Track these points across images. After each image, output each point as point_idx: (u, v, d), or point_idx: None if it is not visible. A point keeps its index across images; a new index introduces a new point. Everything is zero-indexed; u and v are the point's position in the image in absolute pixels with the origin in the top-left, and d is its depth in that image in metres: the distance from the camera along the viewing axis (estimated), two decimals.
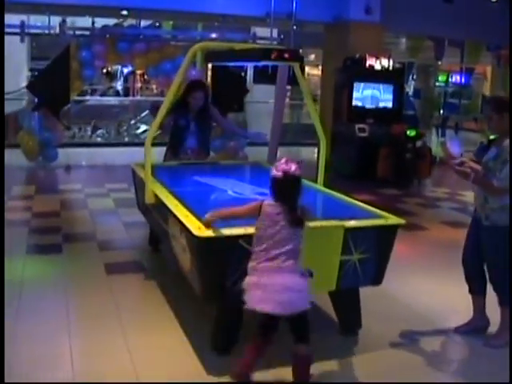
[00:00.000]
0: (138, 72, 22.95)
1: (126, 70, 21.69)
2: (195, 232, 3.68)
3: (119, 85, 23.26)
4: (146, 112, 17.94)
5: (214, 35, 12.53)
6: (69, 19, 11.86)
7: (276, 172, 3.46)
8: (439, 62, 18.75)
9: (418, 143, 10.74)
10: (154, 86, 24.23)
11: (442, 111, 15.78)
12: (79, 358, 3.96)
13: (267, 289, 3.36)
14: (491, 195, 4.22)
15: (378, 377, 3.90)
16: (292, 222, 3.42)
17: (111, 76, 20.81)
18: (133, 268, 5.79)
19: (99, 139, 16.15)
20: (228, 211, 3.76)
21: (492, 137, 12.59)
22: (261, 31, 13.42)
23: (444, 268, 5.89)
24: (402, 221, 4.29)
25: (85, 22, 13.06)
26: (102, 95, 20.60)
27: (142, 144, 14.52)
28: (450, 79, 21.82)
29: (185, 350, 4.10)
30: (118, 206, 8.31)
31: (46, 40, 12.60)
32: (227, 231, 3.72)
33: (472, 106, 17.04)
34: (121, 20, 13.25)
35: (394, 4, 11.75)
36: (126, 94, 22.88)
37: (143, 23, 13.85)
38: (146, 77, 24.14)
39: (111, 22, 12.68)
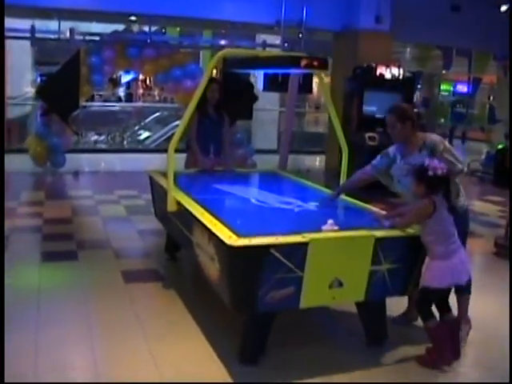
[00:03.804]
0: (141, 78, 23.02)
1: (128, 77, 21.68)
2: (227, 241, 3.63)
3: (121, 91, 23.28)
4: (150, 119, 18.00)
5: (223, 42, 12.50)
6: (73, 24, 11.83)
7: (440, 171, 3.94)
8: (443, 71, 18.81)
9: None
10: (156, 93, 24.33)
11: (448, 120, 15.78)
12: (104, 368, 3.88)
13: (458, 265, 4.05)
14: (454, 178, 4.41)
15: None
16: (450, 209, 4.03)
17: (115, 82, 20.77)
18: (151, 276, 5.72)
19: (104, 145, 16.16)
20: (411, 222, 4.13)
21: (500, 146, 12.61)
22: (267, 38, 13.44)
23: None
24: None
25: (91, 27, 13.08)
26: (105, 101, 20.61)
27: (146, 151, 14.59)
28: (452, 89, 21.93)
29: (212, 360, 4.03)
30: (129, 213, 8.24)
31: (50, 45, 12.59)
32: (258, 240, 3.66)
33: (479, 115, 17.05)
34: (129, 26, 13.22)
35: (403, 13, 11.74)
36: (128, 100, 22.90)
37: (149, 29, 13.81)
38: (148, 83, 24.27)
39: (120, 27, 12.63)
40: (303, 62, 4.19)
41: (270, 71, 5.40)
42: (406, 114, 4.48)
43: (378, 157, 4.72)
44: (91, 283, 5.41)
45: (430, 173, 3.92)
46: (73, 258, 6.14)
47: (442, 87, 21.18)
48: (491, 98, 17.43)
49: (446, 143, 4.48)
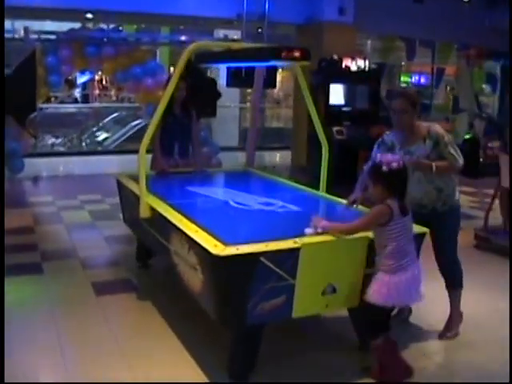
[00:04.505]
0: (97, 79, 22.52)
1: (84, 78, 21.17)
2: (212, 250, 3.32)
3: (77, 92, 22.74)
4: (108, 119, 17.56)
5: (183, 38, 12.16)
6: (28, 23, 11.36)
7: (395, 164, 3.53)
8: (402, 63, 18.78)
9: None
10: (112, 93, 23.85)
11: None
12: None
13: (418, 278, 3.65)
14: (453, 173, 4.37)
15: None
16: (402, 209, 3.56)
17: (71, 83, 20.21)
18: (123, 287, 5.36)
19: (61, 148, 15.66)
20: (363, 227, 3.66)
21: (467, 136, 12.55)
22: (226, 33, 13.15)
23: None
24: (425, 229, 4.03)
25: (46, 26, 12.59)
26: (60, 103, 20.07)
27: (106, 152, 14.15)
28: (411, 80, 21.92)
29: (198, 378, 3.73)
30: (94, 218, 7.85)
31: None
32: (247, 248, 3.37)
33: (443, 105, 17.03)
34: (85, 24, 12.75)
35: (366, 5, 11.53)
36: (84, 102, 22.39)
37: (107, 27, 13.40)
38: (104, 83, 23.77)
39: (76, 26, 12.16)
40: (284, 54, 3.90)
41: (245, 65, 5.09)
42: (416, 99, 4.30)
43: (375, 147, 4.49)
44: (60, 298, 5.04)
45: (385, 168, 3.52)
46: (38, 270, 5.74)
47: (402, 79, 21.16)
48: (453, 88, 17.45)
49: (449, 135, 4.29)
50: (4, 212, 6.11)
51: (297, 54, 3.97)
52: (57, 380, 3.75)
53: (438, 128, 4.28)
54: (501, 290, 5.34)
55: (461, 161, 4.23)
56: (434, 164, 4.17)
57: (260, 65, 5.24)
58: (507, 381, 3.81)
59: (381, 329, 3.72)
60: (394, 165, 3.52)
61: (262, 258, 3.36)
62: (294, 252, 3.44)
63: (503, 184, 6.88)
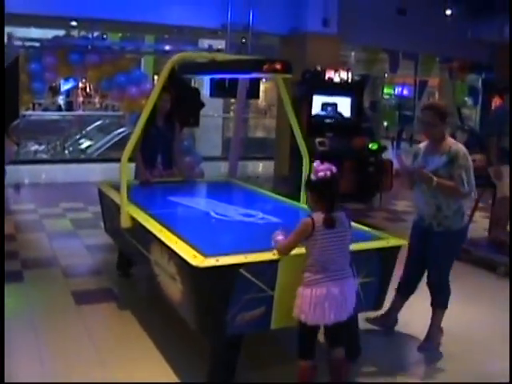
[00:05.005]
0: (81, 86, 22.48)
1: (68, 85, 21.13)
2: (191, 261, 3.34)
3: (61, 99, 22.67)
4: (91, 127, 17.50)
5: (167, 47, 12.17)
6: (11, 29, 11.30)
7: (322, 173, 3.38)
8: (385, 75, 18.93)
9: (380, 156, 10.61)
10: (96, 100, 23.81)
11: (396, 124, 15.83)
12: None
13: (337, 299, 3.36)
14: (454, 197, 4.27)
15: None
16: (327, 222, 3.36)
17: (54, 90, 20.15)
18: (104, 296, 5.36)
19: (44, 155, 15.59)
20: (289, 246, 3.44)
21: None
22: (210, 43, 13.17)
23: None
24: (403, 241, 4.09)
25: (31, 33, 12.55)
26: (44, 110, 20.01)
27: (89, 160, 14.05)
28: (394, 92, 22.12)
29: None
30: (76, 227, 7.84)
31: None
32: (226, 260, 3.39)
33: None
34: (70, 31, 12.73)
35: (350, 16, 11.64)
36: (68, 109, 22.31)
37: (91, 34, 13.38)
38: (88, 91, 23.73)
39: (60, 33, 12.13)
40: (266, 66, 3.94)
41: (228, 76, 5.13)
42: (446, 112, 4.37)
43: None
44: (40, 307, 5.04)
45: (313, 177, 3.42)
46: (18, 279, 5.73)
47: (385, 91, 21.35)
48: (433, 99, 17.65)
49: (469, 161, 4.25)
50: (4, 216, 6.07)
51: (278, 66, 4.02)
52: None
53: (460, 148, 4.25)
54: (482, 302, 5.41)
55: (468, 189, 4.22)
56: (435, 178, 4.18)
57: (242, 76, 5.27)
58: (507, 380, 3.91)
59: (305, 351, 3.52)
60: (321, 174, 3.38)
61: (242, 270, 3.39)
62: (272, 264, 3.47)
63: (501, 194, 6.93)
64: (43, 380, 3.81)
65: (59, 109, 21.77)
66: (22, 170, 11.77)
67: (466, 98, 17.01)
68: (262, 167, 14.20)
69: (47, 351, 4.23)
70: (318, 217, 3.38)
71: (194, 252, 3.48)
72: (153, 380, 3.87)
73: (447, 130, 4.49)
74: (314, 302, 3.34)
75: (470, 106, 17.13)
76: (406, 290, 4.72)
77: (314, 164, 3.48)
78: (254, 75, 4.68)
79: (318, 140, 10.58)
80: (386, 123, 18.65)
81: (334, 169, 3.43)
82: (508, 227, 6.92)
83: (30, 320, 4.74)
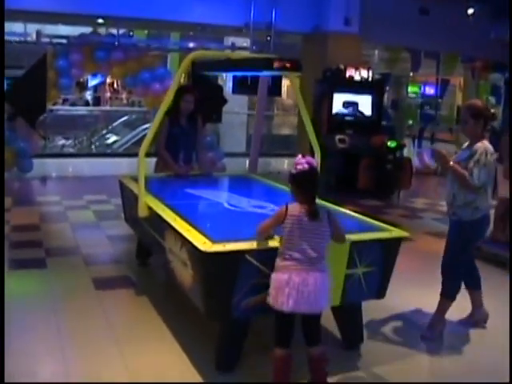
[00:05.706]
0: (108, 82, 22.79)
1: (96, 81, 21.47)
2: (200, 247, 3.55)
3: (88, 94, 23.02)
4: (117, 122, 17.80)
5: (191, 44, 12.40)
6: (40, 26, 11.62)
7: (300, 166, 3.50)
8: (410, 74, 18.93)
9: (399, 154, 10.72)
10: (123, 96, 24.10)
11: (418, 122, 15.85)
12: (76, 380, 3.78)
13: (297, 287, 3.36)
14: (464, 188, 4.41)
15: None
16: (309, 213, 3.43)
17: (82, 86, 20.52)
18: (122, 283, 5.61)
19: (71, 150, 15.92)
20: (264, 227, 3.62)
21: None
22: (235, 41, 13.37)
23: (432, 278, 5.79)
24: (405, 233, 4.23)
25: (58, 30, 12.86)
26: (71, 105, 20.35)
27: (114, 155, 14.27)
28: (420, 90, 22.07)
29: (187, 368, 3.95)
30: (99, 218, 8.10)
31: (16, 47, 12.33)
32: (233, 246, 3.59)
33: (447, 116, 17.21)
34: (96, 28, 13.03)
35: (372, 15, 11.76)
36: (96, 104, 22.65)
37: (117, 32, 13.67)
38: (115, 87, 24.03)
39: (87, 30, 12.43)
40: (276, 64, 4.12)
41: (241, 73, 5.32)
42: (480, 111, 4.49)
43: None
44: (61, 291, 5.29)
45: (292, 170, 3.55)
46: (42, 265, 6.00)
47: (410, 89, 21.33)
48: (459, 99, 17.66)
49: (487, 156, 4.34)
50: (4, 211, 6.33)
51: (288, 64, 4.18)
52: (55, 367, 3.99)
53: (481, 145, 4.38)
54: (497, 298, 5.46)
55: (476, 182, 4.32)
56: (451, 162, 4.44)
57: (256, 74, 5.45)
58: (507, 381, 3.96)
59: (279, 338, 3.56)
60: (299, 167, 3.50)
61: (247, 256, 3.58)
62: (277, 251, 3.65)
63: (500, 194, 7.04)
64: (61, 355, 4.05)
65: (86, 104, 22.13)
66: (49, 163, 12.11)
67: (490, 97, 17.00)
68: (285, 164, 14.34)
69: (66, 329, 4.48)
70: (294, 207, 3.49)
71: (204, 239, 3.67)
72: (164, 359, 4.09)
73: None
74: (277, 286, 3.41)
75: (494, 105, 17.12)
76: (470, 280, 4.88)
77: (296, 158, 3.60)
78: (265, 73, 4.84)
79: (338, 137, 10.74)
80: (410, 122, 18.72)
81: (313, 162, 3.57)
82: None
83: (51, 303, 4.99)
